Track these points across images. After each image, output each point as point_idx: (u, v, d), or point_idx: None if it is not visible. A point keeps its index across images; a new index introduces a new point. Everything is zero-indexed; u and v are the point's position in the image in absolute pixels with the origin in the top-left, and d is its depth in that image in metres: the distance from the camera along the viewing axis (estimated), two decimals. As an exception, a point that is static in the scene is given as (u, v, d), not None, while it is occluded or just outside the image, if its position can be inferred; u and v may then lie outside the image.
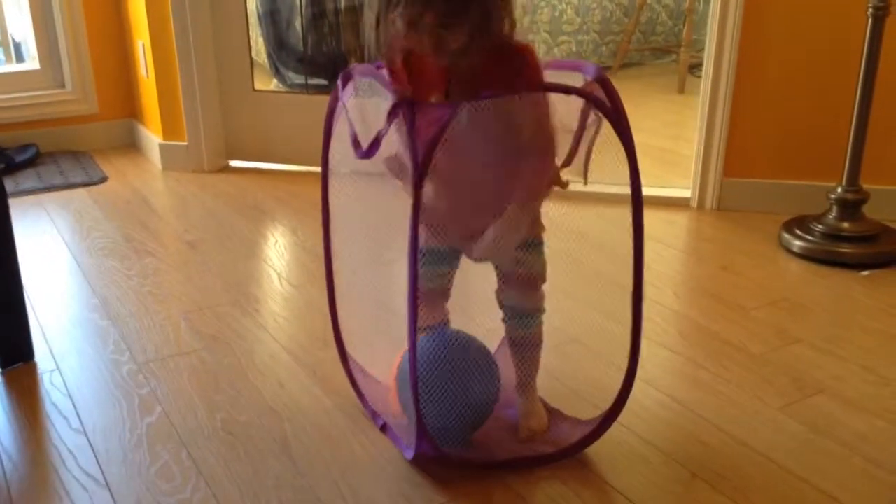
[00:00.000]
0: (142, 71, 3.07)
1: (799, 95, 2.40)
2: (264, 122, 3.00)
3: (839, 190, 2.22)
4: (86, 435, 1.47)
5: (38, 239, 2.39)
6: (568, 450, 1.38)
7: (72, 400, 1.58)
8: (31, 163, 3.05)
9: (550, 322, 1.40)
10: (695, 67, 4.12)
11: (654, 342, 1.76)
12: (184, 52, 2.85)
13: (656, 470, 1.36)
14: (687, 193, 2.59)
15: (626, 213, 1.24)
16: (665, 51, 4.85)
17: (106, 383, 1.63)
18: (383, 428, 1.45)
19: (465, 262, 1.38)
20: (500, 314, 1.40)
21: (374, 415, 1.48)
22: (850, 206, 2.21)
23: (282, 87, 3.47)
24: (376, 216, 1.40)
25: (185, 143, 2.97)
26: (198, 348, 1.76)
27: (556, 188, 1.31)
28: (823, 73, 2.36)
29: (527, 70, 1.23)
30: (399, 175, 1.26)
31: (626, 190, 1.24)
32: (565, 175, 1.29)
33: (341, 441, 1.44)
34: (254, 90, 3.00)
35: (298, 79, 3.40)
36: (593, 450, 1.39)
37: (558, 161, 1.28)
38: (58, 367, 1.69)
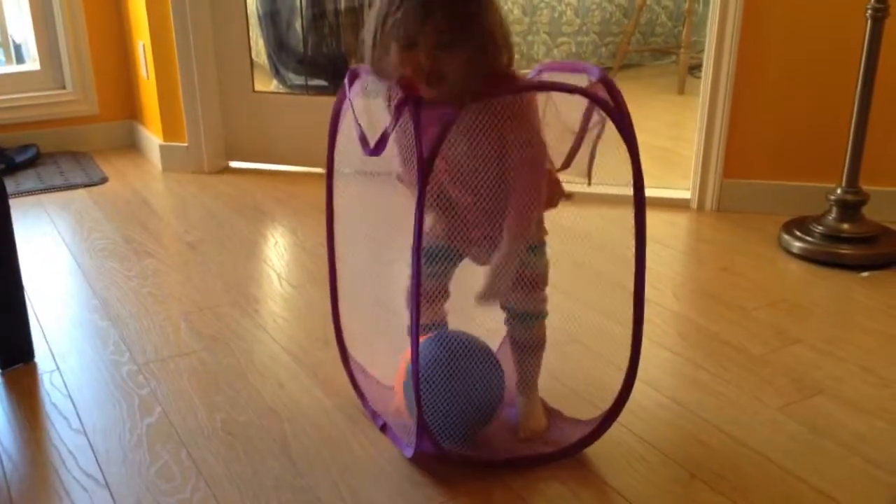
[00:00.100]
0: (142, 72, 3.07)
1: (798, 97, 2.41)
2: (264, 124, 3.00)
3: (839, 191, 2.22)
4: (86, 435, 1.47)
5: (39, 240, 2.39)
6: (567, 450, 1.38)
7: (72, 400, 1.58)
8: (32, 163, 3.05)
9: (551, 322, 1.40)
10: (694, 68, 4.13)
11: (654, 343, 1.76)
12: (184, 53, 2.85)
13: (655, 470, 1.36)
14: (687, 194, 2.60)
15: (627, 214, 1.25)
16: (665, 52, 4.86)
17: (106, 384, 1.63)
18: (383, 428, 1.45)
19: (465, 261, 1.38)
20: (500, 314, 1.39)
21: (373, 415, 1.48)
22: (850, 208, 2.22)
23: (282, 89, 3.47)
24: (377, 216, 1.40)
25: (186, 144, 2.97)
26: (197, 349, 1.76)
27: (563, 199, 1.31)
28: (823, 75, 2.37)
29: (523, 121, 1.20)
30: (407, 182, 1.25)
31: (628, 191, 1.24)
32: (566, 176, 1.30)
33: (341, 441, 1.44)
34: (254, 91, 3.01)
35: (298, 80, 3.40)
36: (592, 450, 1.39)
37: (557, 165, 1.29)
38: (58, 368, 1.69)
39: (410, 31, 1.13)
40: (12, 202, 1.66)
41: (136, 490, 1.32)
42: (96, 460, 1.40)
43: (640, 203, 1.23)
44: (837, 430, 1.46)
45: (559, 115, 1.25)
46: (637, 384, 1.36)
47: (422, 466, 1.36)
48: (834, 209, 2.24)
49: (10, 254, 1.63)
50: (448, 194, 1.27)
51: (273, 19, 3.49)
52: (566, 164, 1.28)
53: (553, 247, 1.36)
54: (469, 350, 1.34)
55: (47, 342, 1.79)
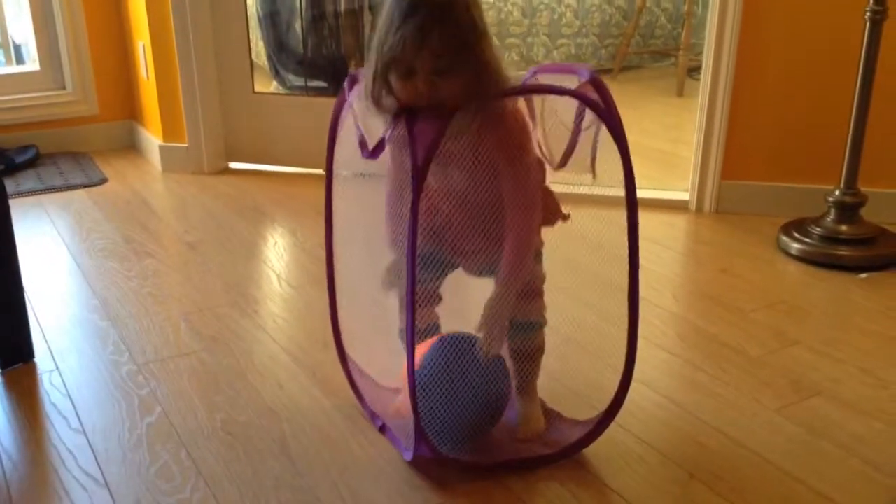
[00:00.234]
0: (142, 72, 3.07)
1: (797, 98, 2.41)
2: (264, 124, 3.00)
3: (837, 193, 2.23)
4: (85, 435, 1.47)
5: (39, 240, 2.40)
6: (566, 450, 1.38)
7: (71, 400, 1.58)
8: (32, 164, 3.05)
9: (549, 322, 1.40)
10: (693, 71, 4.13)
11: (653, 344, 1.76)
12: (184, 54, 2.85)
13: (654, 471, 1.37)
14: (685, 196, 2.60)
15: (623, 215, 1.25)
16: (664, 54, 4.86)
17: (105, 384, 1.64)
18: (382, 429, 1.45)
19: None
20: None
21: (372, 416, 1.48)
22: (848, 209, 2.22)
23: (281, 90, 3.47)
24: (375, 218, 1.41)
25: (185, 145, 2.97)
26: (197, 349, 1.76)
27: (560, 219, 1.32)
28: (821, 77, 2.37)
29: (505, 129, 1.22)
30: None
31: (622, 191, 1.24)
32: (568, 174, 1.30)
33: (340, 442, 1.44)
34: (254, 92, 3.01)
35: (298, 81, 3.40)
36: (591, 451, 1.39)
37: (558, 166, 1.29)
38: (57, 368, 1.70)
39: (408, 56, 1.14)
40: (12, 202, 1.66)
41: (136, 490, 1.32)
42: (96, 460, 1.40)
43: (631, 202, 1.24)
44: (836, 431, 1.47)
45: (560, 117, 1.25)
46: (636, 385, 1.36)
47: (421, 467, 1.36)
48: (832, 211, 2.24)
49: (10, 254, 1.64)
50: (440, 209, 1.28)
51: (273, 20, 3.49)
52: (562, 164, 1.29)
53: (550, 248, 1.36)
54: (477, 359, 1.32)
55: (47, 342, 1.80)
